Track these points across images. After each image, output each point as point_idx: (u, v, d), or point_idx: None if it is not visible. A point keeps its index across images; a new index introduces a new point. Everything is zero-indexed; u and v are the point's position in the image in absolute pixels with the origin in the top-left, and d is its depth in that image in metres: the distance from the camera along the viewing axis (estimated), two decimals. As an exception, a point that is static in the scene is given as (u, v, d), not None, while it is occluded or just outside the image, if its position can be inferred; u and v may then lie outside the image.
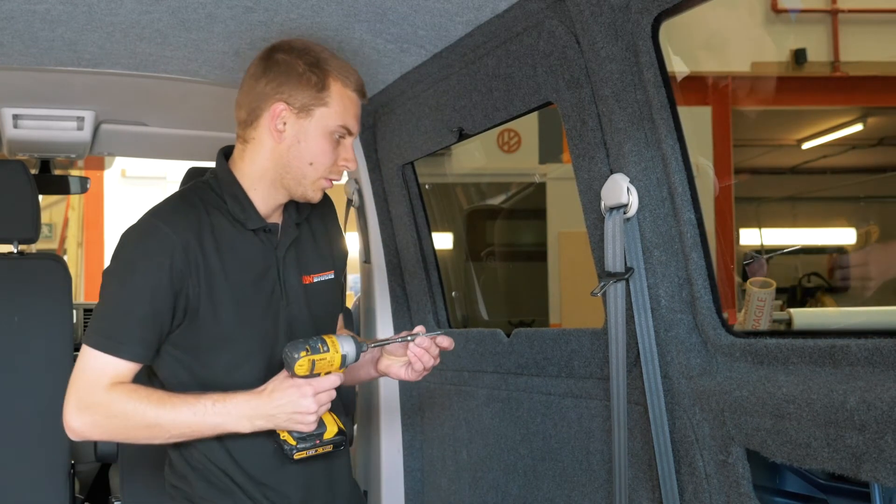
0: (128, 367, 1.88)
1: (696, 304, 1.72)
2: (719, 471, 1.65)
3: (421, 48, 2.22)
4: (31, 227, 2.81)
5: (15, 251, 2.86)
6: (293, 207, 2.05)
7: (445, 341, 2.00)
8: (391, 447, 2.75)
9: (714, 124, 7.15)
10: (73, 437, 1.91)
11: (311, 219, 2.10)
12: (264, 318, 1.97)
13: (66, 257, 11.03)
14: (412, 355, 2.00)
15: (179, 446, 1.97)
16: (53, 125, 3.01)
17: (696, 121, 6.86)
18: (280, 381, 1.87)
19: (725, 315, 1.72)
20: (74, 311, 3.64)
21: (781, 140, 9.41)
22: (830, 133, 9.00)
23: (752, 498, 1.60)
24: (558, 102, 1.92)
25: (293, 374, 1.84)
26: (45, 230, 8.78)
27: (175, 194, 2.03)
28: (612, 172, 1.80)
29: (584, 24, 1.77)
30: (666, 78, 1.70)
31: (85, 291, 11.11)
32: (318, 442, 1.91)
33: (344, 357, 1.87)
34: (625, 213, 1.76)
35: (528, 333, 2.20)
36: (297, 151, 1.94)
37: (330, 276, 2.10)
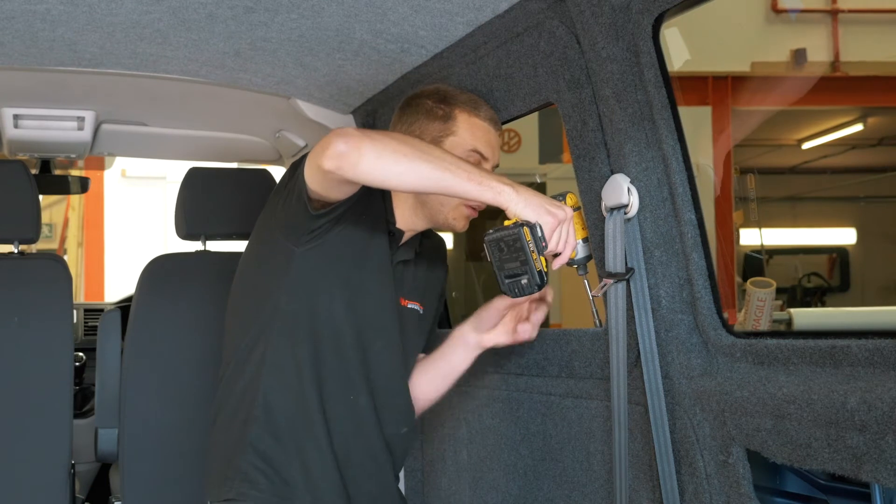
0: None
1: (697, 305, 1.72)
2: (720, 471, 1.65)
3: (421, 48, 2.22)
4: (31, 227, 2.81)
5: (15, 251, 2.86)
6: (418, 244, 2.15)
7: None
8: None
9: (714, 124, 7.15)
10: (329, 160, 1.72)
11: (426, 264, 2.20)
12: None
13: (66, 257, 11.03)
14: (541, 315, 2.02)
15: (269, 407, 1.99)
16: (54, 125, 3.01)
17: (697, 121, 6.86)
18: None
19: (726, 315, 1.72)
20: (74, 311, 3.64)
21: (781, 140, 9.41)
22: (830, 133, 9.01)
23: (752, 498, 1.60)
24: (559, 103, 1.92)
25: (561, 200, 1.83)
26: (45, 230, 8.77)
27: None
28: (612, 173, 1.80)
29: (585, 24, 1.77)
30: (666, 78, 1.70)
31: (85, 291, 11.11)
32: (545, 245, 1.75)
33: (587, 237, 1.87)
34: (625, 213, 1.76)
35: (529, 333, 2.20)
36: None
37: (418, 308, 2.18)
